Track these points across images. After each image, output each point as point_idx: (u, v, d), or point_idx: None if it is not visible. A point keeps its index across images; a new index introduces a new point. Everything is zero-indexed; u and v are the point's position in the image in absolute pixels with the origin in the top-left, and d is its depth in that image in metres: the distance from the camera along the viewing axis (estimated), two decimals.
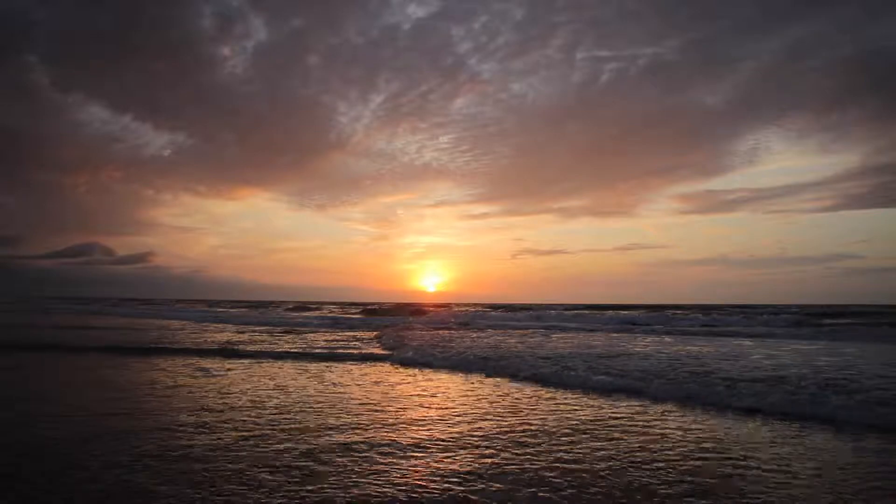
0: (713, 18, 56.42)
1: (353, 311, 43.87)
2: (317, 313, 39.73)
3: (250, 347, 12.70)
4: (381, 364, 10.22)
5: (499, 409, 5.99)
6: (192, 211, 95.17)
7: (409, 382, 7.99)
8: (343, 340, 15.31)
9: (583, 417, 5.61)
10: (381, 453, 4.23)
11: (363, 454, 4.19)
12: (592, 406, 6.24)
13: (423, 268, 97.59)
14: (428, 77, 66.24)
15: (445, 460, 4.07)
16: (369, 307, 49.52)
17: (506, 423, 5.29)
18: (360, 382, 7.90)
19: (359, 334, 18.00)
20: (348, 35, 63.74)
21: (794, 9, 52.48)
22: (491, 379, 8.37)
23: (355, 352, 11.99)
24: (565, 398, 6.72)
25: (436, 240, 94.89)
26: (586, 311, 37.55)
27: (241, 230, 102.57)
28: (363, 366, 9.97)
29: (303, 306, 57.88)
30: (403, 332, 18.54)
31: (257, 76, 66.12)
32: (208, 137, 74.08)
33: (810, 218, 72.34)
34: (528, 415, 5.71)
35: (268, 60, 63.87)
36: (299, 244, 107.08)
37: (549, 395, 6.89)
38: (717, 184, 72.37)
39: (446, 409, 6.02)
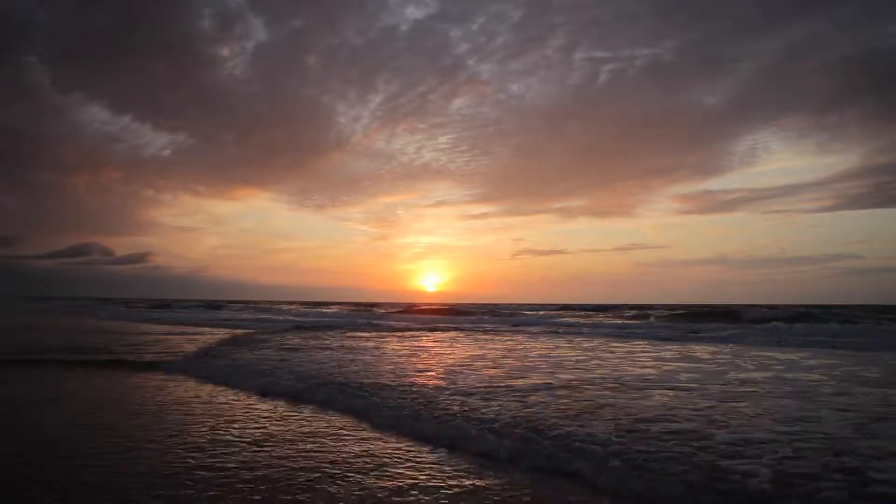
0: (712, 18, 56.37)
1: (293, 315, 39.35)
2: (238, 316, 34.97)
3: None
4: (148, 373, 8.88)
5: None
6: (191, 211, 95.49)
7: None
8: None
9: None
10: None
11: None
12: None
13: (422, 268, 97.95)
14: (427, 77, 66.44)
15: None
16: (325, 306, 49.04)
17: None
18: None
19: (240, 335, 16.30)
20: (347, 36, 64.08)
21: (793, 9, 52.52)
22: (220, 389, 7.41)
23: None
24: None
25: (436, 240, 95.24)
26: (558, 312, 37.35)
27: (241, 230, 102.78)
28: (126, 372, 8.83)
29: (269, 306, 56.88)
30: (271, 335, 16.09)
31: (257, 76, 66.26)
32: (208, 137, 74.22)
33: (809, 218, 73.49)
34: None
35: (267, 61, 63.99)
36: (299, 244, 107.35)
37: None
38: (716, 184, 72.60)
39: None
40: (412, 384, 7.06)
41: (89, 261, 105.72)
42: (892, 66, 48.29)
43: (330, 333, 17.74)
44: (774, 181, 73.67)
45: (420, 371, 8.48)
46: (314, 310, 48.40)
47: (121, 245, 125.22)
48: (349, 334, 17.43)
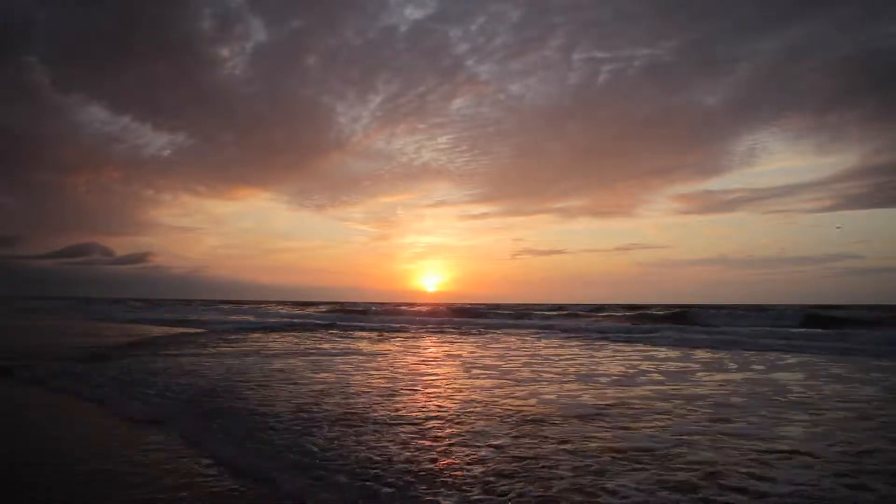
0: (712, 18, 55.70)
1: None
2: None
3: None
4: None
5: None
6: (191, 211, 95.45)
7: None
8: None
9: None
10: None
11: None
12: None
13: (423, 268, 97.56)
14: (426, 78, 66.34)
15: None
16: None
17: None
18: None
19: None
20: (347, 36, 63.96)
21: (793, 9, 51.87)
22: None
23: None
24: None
25: (435, 240, 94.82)
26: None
27: (241, 230, 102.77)
28: None
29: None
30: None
31: (256, 76, 66.33)
32: (208, 137, 74.28)
33: (809, 218, 72.73)
34: None
35: (267, 61, 63.97)
36: (299, 244, 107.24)
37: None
38: (715, 184, 72.01)
39: None
40: (319, 405, 5.56)
41: (89, 261, 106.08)
42: (892, 66, 47.43)
43: (289, 335, 16.60)
44: (774, 181, 73.00)
45: (346, 382, 7.18)
46: (301, 311, 47.71)
47: (121, 245, 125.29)
48: (308, 336, 16.31)
